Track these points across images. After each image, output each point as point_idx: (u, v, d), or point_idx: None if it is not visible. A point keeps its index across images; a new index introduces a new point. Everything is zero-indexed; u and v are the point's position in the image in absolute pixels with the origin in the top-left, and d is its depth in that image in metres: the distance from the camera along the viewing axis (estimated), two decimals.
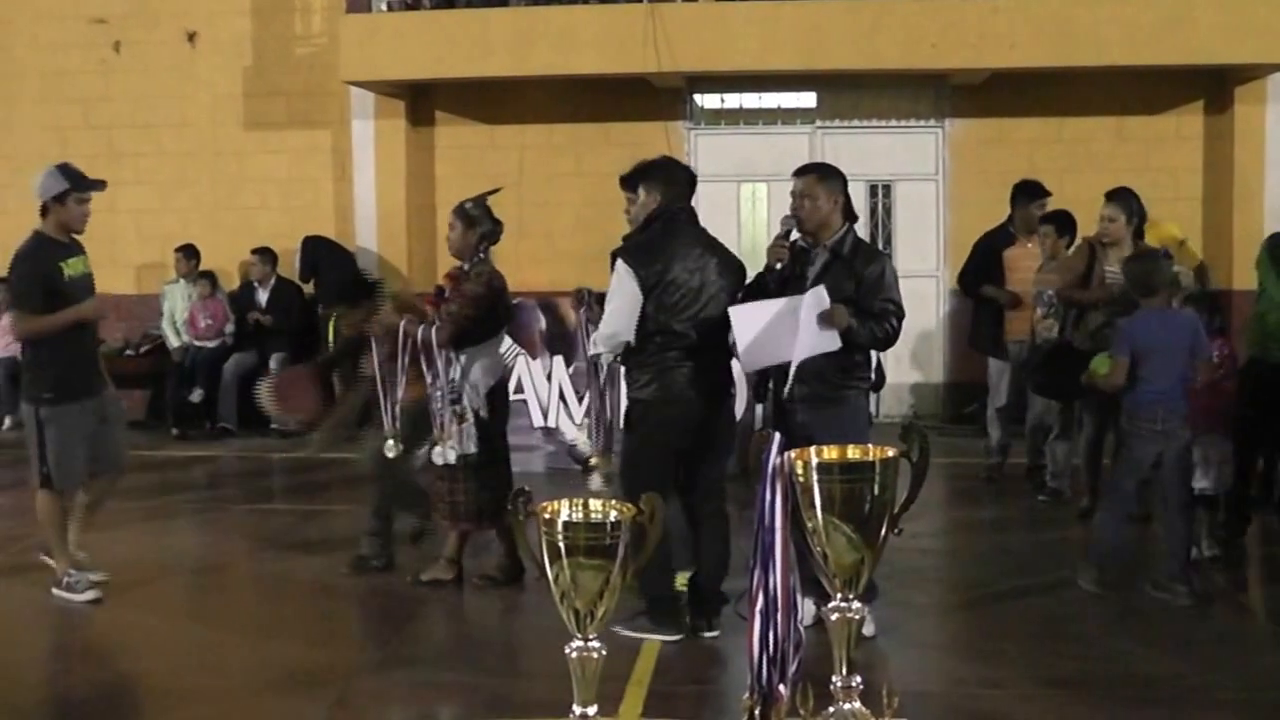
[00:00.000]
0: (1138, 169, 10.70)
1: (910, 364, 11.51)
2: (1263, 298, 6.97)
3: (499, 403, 6.40)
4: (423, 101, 11.88)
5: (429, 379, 6.19)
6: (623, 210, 5.83)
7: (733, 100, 11.76)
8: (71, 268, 6.17)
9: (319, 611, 6.36)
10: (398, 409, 6.28)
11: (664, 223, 5.56)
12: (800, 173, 5.56)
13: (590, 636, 2.19)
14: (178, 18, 12.03)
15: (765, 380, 5.59)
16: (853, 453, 2.28)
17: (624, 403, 5.99)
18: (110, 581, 6.40)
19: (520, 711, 4.75)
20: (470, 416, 6.17)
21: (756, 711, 2.31)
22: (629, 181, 5.78)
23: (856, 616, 2.25)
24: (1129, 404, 6.12)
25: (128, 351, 11.76)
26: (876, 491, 2.20)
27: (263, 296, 11.63)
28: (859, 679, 2.24)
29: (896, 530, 2.25)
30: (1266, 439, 6.98)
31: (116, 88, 12.12)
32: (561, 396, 9.31)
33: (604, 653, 2.19)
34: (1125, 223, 7.33)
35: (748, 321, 5.26)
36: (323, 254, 11.14)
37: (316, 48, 11.97)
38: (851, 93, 11.60)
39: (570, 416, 9.27)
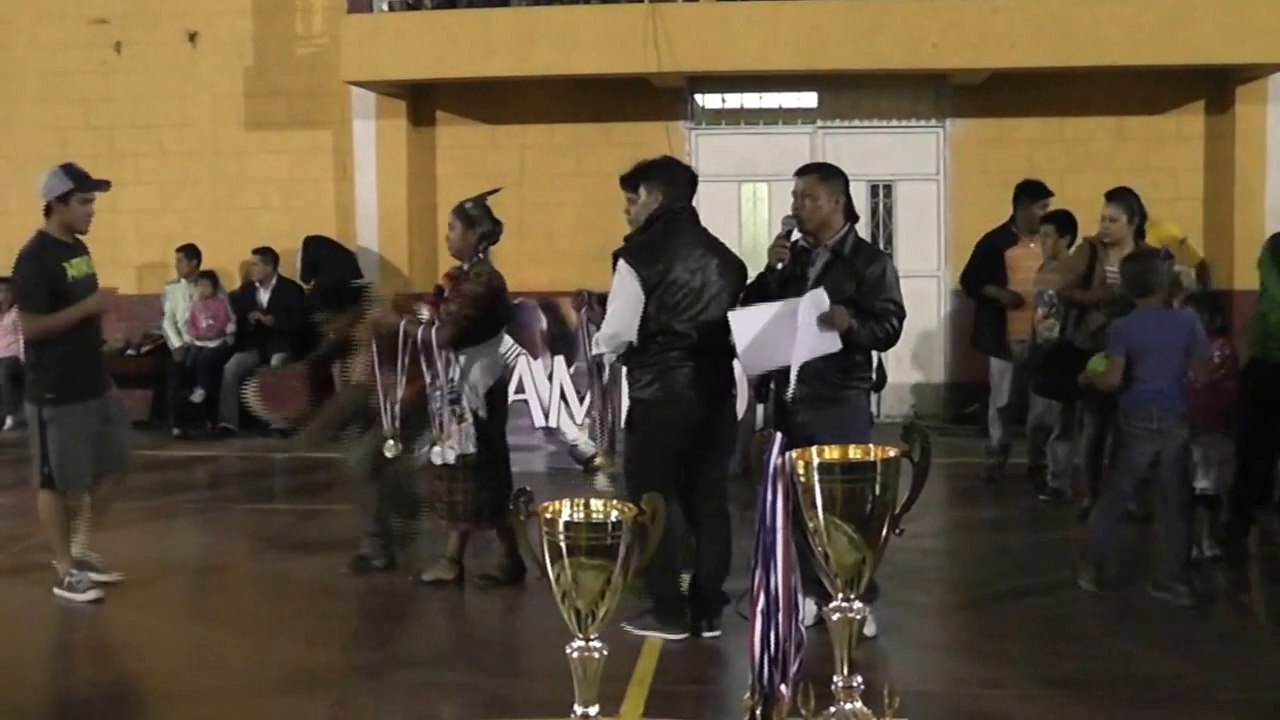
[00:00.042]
0: (1138, 169, 10.70)
1: (911, 364, 11.51)
2: (1264, 297, 6.97)
3: (498, 403, 6.40)
4: (424, 101, 11.88)
5: (428, 379, 6.20)
6: (623, 210, 5.83)
7: (734, 100, 11.76)
8: (75, 268, 6.17)
9: (320, 611, 6.36)
10: (398, 409, 6.28)
11: (665, 223, 5.56)
12: (802, 172, 5.55)
13: (592, 636, 2.19)
14: (178, 18, 12.03)
15: (767, 380, 5.58)
16: (854, 453, 2.29)
17: (625, 403, 6.00)
18: (124, 581, 6.41)
19: (521, 712, 4.75)
20: (469, 417, 6.17)
21: (758, 711, 2.31)
22: (629, 181, 5.78)
23: (858, 616, 2.26)
24: (1125, 404, 6.13)
25: (129, 351, 11.77)
26: (878, 491, 2.21)
27: (264, 296, 11.64)
28: (860, 679, 2.24)
29: (898, 530, 2.26)
30: (1268, 439, 6.98)
31: (117, 88, 12.13)
32: (563, 396, 9.31)
33: (605, 653, 2.19)
34: (1127, 222, 7.33)
35: (747, 326, 5.26)
36: (324, 254, 11.09)
37: (317, 48, 11.97)
38: (852, 93, 11.60)
39: (571, 416, 9.27)
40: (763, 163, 11.50)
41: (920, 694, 4.84)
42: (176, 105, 12.12)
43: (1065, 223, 8.24)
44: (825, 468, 2.22)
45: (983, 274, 8.92)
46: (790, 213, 5.53)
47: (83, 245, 6.30)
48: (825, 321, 5.15)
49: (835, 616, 2.25)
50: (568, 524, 2.17)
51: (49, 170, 6.27)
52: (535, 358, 8.00)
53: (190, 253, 11.72)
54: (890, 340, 5.35)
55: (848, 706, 2.23)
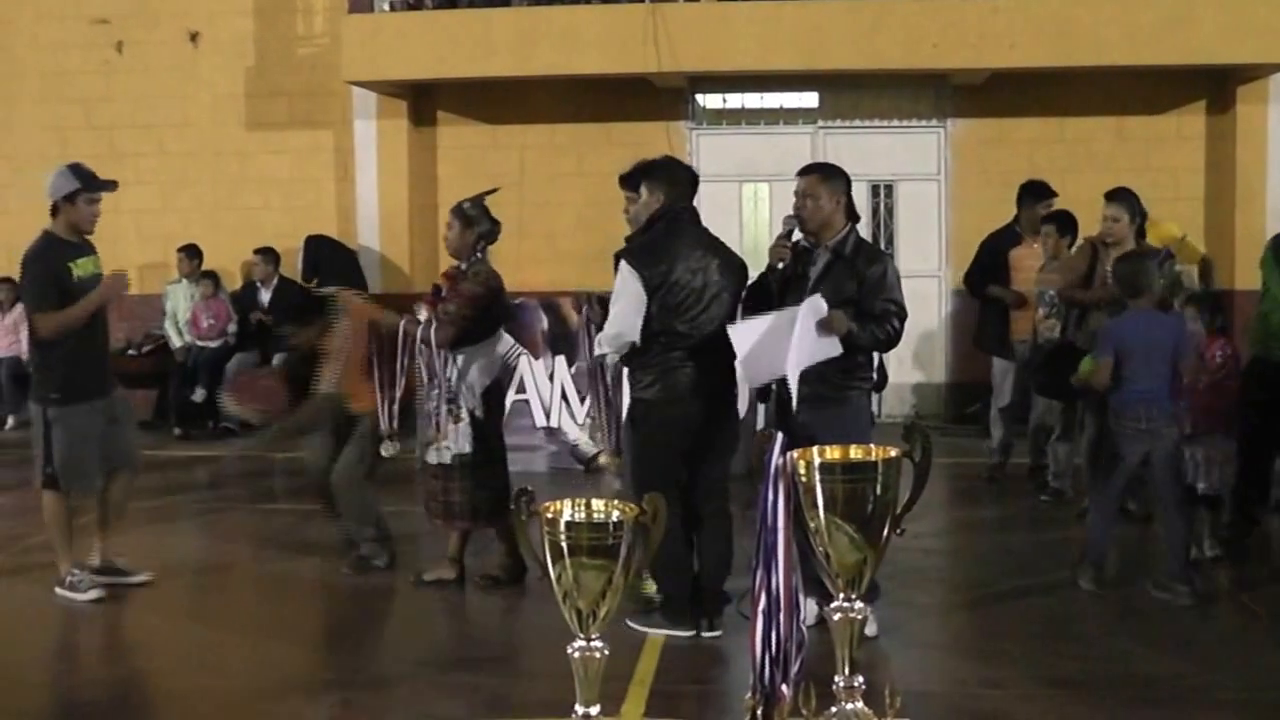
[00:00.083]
0: (1138, 169, 10.71)
1: (912, 364, 11.51)
2: (1266, 297, 6.97)
3: (494, 402, 6.41)
4: (425, 101, 11.88)
5: (425, 378, 6.20)
6: (622, 210, 5.83)
7: (734, 100, 11.77)
8: (81, 268, 6.16)
9: (320, 611, 6.37)
10: (395, 409, 6.28)
11: (667, 223, 5.56)
12: (803, 172, 5.55)
13: (593, 636, 2.20)
14: (179, 18, 12.04)
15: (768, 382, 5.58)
16: (855, 453, 2.29)
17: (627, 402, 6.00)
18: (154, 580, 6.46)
19: (522, 711, 4.75)
20: (465, 416, 6.17)
21: (759, 711, 2.31)
22: (630, 180, 5.77)
23: (859, 616, 2.26)
24: (1114, 404, 6.15)
25: (130, 351, 11.76)
26: (879, 491, 2.21)
27: (265, 296, 11.64)
28: (861, 679, 2.25)
29: (899, 530, 2.26)
30: (1269, 439, 6.97)
31: (118, 88, 12.13)
32: (564, 396, 9.31)
33: (606, 653, 2.20)
34: (1129, 222, 7.33)
35: (746, 338, 5.26)
36: (325, 254, 11.08)
37: (318, 48, 11.98)
38: (853, 93, 11.60)
39: (572, 416, 9.28)
40: (763, 163, 11.50)
41: (921, 694, 4.85)
42: (177, 105, 12.12)
43: (1066, 223, 8.24)
44: (826, 468, 2.22)
45: (986, 274, 8.92)
46: (791, 213, 5.53)
47: (90, 245, 6.29)
48: (824, 327, 5.15)
49: (836, 616, 2.25)
50: (569, 524, 2.17)
51: (56, 170, 6.26)
52: (536, 358, 7.99)
53: (191, 253, 11.73)
54: (892, 341, 5.35)
55: (849, 706, 2.23)
